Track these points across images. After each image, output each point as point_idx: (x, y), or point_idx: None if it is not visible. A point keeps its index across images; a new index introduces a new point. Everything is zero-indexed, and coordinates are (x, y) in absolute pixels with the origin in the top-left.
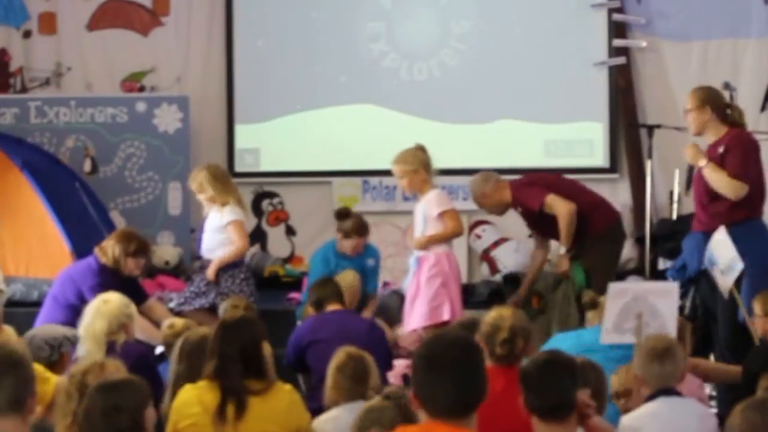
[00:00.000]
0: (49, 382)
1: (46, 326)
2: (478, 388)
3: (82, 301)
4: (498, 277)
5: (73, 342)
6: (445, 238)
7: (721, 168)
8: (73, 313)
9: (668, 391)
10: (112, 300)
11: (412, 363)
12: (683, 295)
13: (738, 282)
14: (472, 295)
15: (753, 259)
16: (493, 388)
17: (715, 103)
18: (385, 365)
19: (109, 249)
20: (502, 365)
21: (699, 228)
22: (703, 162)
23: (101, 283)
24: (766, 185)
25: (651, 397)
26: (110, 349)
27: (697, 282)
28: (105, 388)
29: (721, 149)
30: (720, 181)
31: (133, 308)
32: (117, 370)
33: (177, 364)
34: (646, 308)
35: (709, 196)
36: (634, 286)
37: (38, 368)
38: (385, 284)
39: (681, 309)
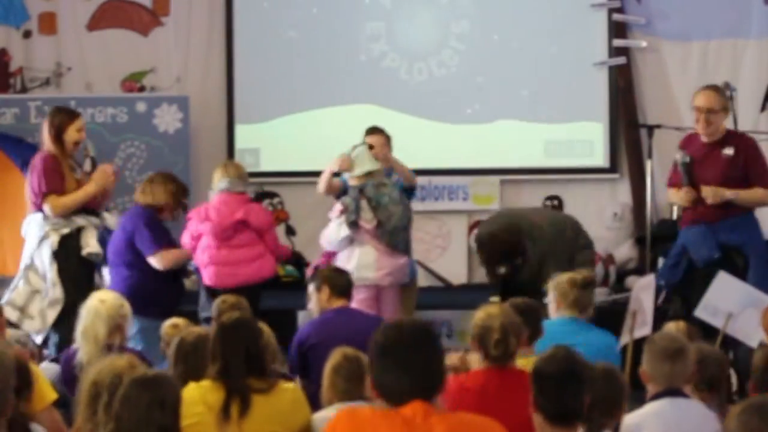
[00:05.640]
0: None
1: None
2: (433, 375)
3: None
4: None
5: (24, 344)
6: None
7: (733, 170)
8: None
9: (675, 391)
10: (108, 299)
11: (369, 351)
12: (675, 292)
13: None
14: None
15: (755, 247)
16: (488, 389)
17: (728, 105)
18: None
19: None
20: (496, 365)
21: (701, 220)
22: (730, 194)
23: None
24: None
25: (656, 396)
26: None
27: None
28: (147, 383)
29: (729, 151)
30: (756, 200)
31: (127, 308)
32: (140, 366)
33: (174, 366)
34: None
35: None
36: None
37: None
38: None
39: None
